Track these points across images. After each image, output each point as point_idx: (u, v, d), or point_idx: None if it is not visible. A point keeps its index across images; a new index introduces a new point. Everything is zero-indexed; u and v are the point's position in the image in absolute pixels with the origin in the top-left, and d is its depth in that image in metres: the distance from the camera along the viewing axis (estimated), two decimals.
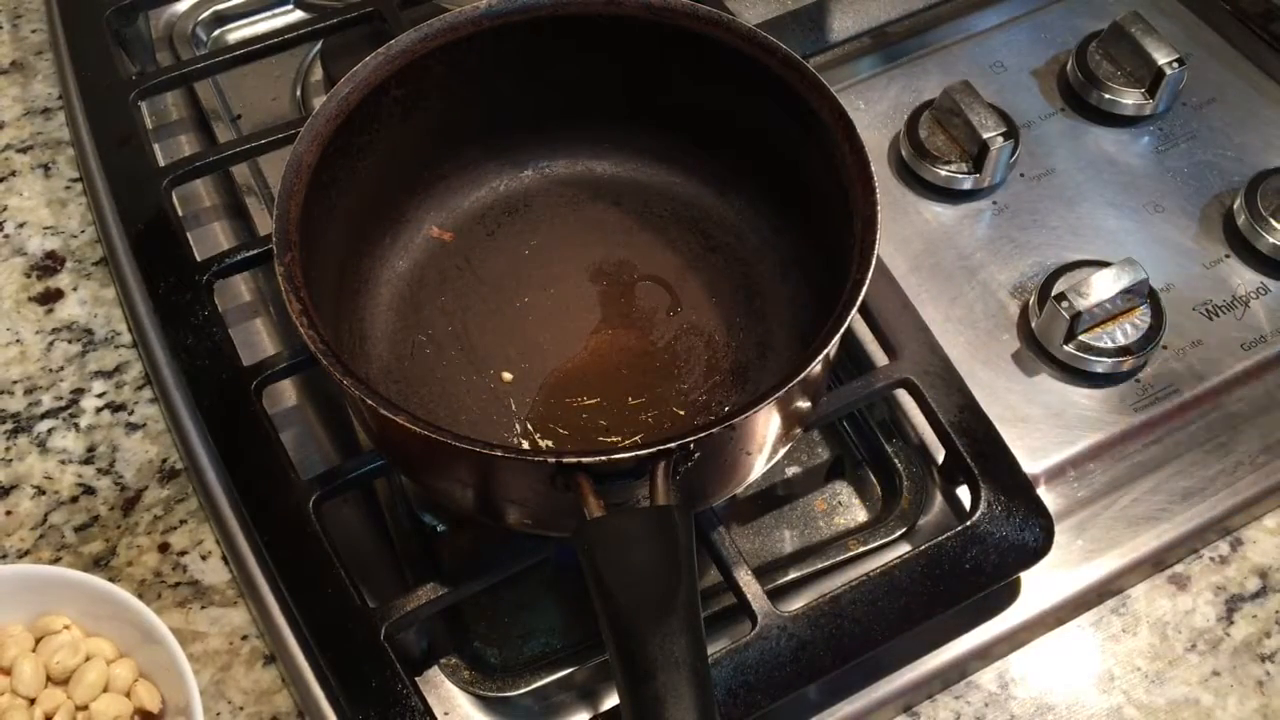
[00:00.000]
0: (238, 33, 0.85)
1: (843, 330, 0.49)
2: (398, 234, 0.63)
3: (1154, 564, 0.61)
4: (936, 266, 0.69)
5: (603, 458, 0.46)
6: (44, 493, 0.64)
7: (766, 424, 0.51)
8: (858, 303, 0.49)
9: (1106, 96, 0.75)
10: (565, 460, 0.46)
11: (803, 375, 0.48)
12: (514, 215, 0.65)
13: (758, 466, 0.54)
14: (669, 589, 0.44)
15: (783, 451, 0.56)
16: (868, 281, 0.50)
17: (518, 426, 0.58)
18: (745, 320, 0.61)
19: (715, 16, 0.58)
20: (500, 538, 0.56)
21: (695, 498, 0.53)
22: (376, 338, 0.61)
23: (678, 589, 0.44)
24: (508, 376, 0.60)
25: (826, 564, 0.60)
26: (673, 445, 0.46)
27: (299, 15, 0.83)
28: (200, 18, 0.84)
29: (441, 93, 0.60)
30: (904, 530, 0.61)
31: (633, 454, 0.46)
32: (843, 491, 0.64)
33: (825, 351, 0.49)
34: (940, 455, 0.62)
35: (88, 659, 0.55)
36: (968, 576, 0.56)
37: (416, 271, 0.63)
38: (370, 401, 0.47)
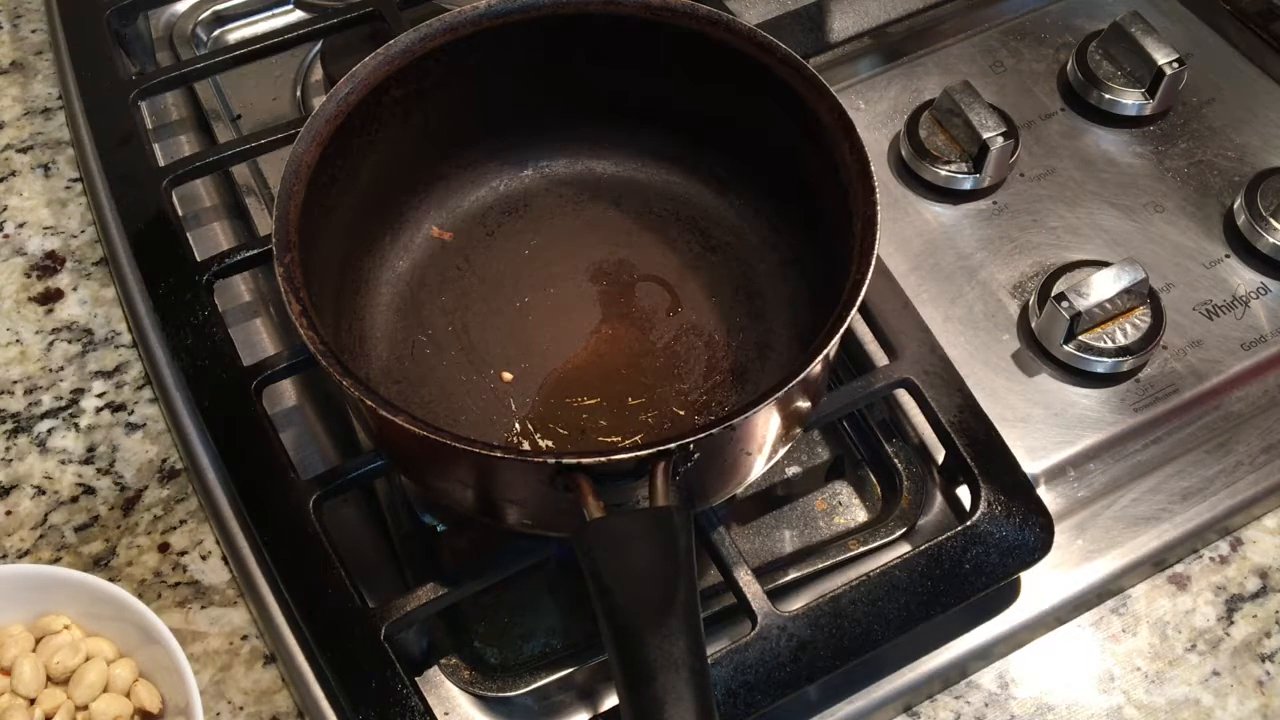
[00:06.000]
0: (238, 33, 0.84)
1: (843, 330, 0.49)
2: (398, 234, 0.63)
3: (1154, 564, 0.61)
4: (936, 266, 0.69)
5: (603, 458, 0.46)
6: (44, 493, 0.64)
7: (766, 424, 0.51)
8: (858, 303, 0.49)
9: (1106, 96, 0.75)
10: (565, 461, 0.46)
11: (803, 375, 0.48)
12: (514, 215, 0.65)
13: (758, 466, 0.54)
14: (669, 590, 0.44)
15: (783, 451, 0.56)
16: (868, 281, 0.50)
17: (518, 426, 0.58)
18: (745, 320, 0.61)
19: (715, 16, 0.58)
20: (500, 538, 0.56)
21: (695, 498, 0.53)
22: (376, 338, 0.61)
23: (677, 590, 0.44)
24: (508, 376, 0.60)
25: (826, 564, 0.60)
26: (673, 445, 0.46)
27: (299, 15, 0.83)
28: (200, 18, 0.84)
29: (441, 93, 0.60)
30: (904, 530, 0.61)
31: (633, 454, 0.46)
32: (843, 491, 0.64)
33: (825, 351, 0.49)
34: (940, 455, 0.62)
35: (88, 659, 0.55)
36: (968, 576, 0.56)
37: (416, 271, 0.63)
38: (370, 401, 0.47)
